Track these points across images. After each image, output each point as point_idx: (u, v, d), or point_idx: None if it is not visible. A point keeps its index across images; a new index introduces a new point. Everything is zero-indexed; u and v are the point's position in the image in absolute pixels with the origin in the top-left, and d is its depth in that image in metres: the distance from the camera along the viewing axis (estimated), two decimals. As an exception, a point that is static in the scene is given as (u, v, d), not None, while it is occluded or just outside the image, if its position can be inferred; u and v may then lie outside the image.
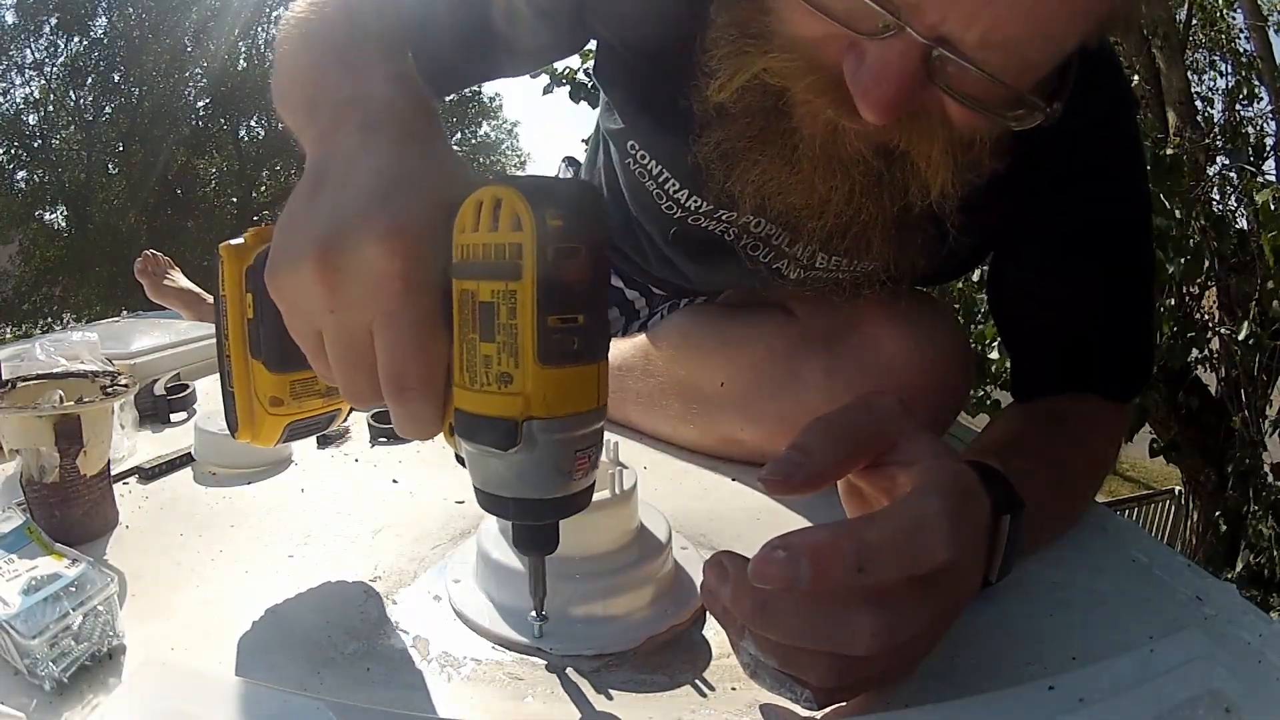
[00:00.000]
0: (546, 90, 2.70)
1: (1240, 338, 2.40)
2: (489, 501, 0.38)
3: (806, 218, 0.56)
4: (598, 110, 0.84)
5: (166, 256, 1.52)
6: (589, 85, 2.58)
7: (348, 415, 0.52)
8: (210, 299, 1.41)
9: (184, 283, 1.49)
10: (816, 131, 0.50)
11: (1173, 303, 2.28)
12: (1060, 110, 0.45)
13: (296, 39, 0.52)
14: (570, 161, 1.10)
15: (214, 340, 0.46)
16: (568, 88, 2.68)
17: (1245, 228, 2.24)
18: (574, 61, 2.63)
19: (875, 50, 0.42)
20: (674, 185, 0.70)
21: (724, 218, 0.69)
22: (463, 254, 0.35)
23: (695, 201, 0.69)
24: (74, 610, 0.40)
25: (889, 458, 0.40)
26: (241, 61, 9.55)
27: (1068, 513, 0.61)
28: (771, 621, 0.35)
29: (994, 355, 2.22)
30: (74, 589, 0.42)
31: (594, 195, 0.37)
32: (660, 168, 0.71)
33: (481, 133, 11.91)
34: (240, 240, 0.44)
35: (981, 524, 0.41)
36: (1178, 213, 2.12)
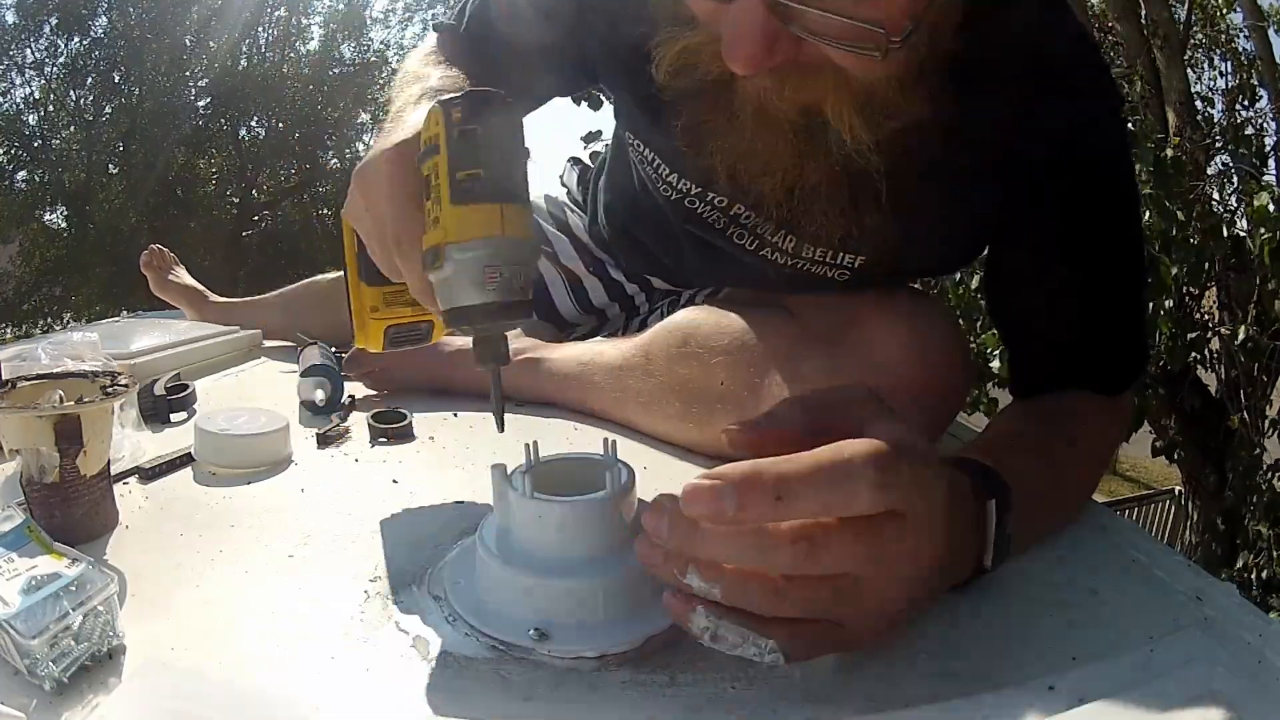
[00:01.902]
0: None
1: (1239, 339, 2.41)
2: (445, 318, 0.50)
3: (761, 180, 0.62)
4: (599, 110, 0.91)
5: (172, 253, 1.52)
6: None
7: (434, 331, 0.65)
8: (212, 297, 1.43)
9: (187, 280, 1.49)
10: (748, 97, 0.56)
11: (1170, 304, 2.28)
12: (912, 33, 0.48)
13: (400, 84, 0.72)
14: (575, 162, 1.12)
15: (214, 341, 0.59)
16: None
17: (1246, 228, 2.24)
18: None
19: (730, 12, 0.48)
20: (665, 170, 0.77)
21: (711, 200, 0.74)
22: (419, 147, 0.52)
23: (685, 184, 0.75)
24: (74, 610, 0.40)
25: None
26: (242, 61, 9.54)
27: (1065, 506, 0.61)
28: (706, 543, 0.37)
29: (995, 365, 2.22)
30: (74, 589, 0.42)
31: (491, 96, 0.49)
32: (653, 154, 0.77)
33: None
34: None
35: (961, 505, 0.43)
36: (1179, 214, 2.12)
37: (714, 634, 0.38)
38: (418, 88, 0.67)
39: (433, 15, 10.70)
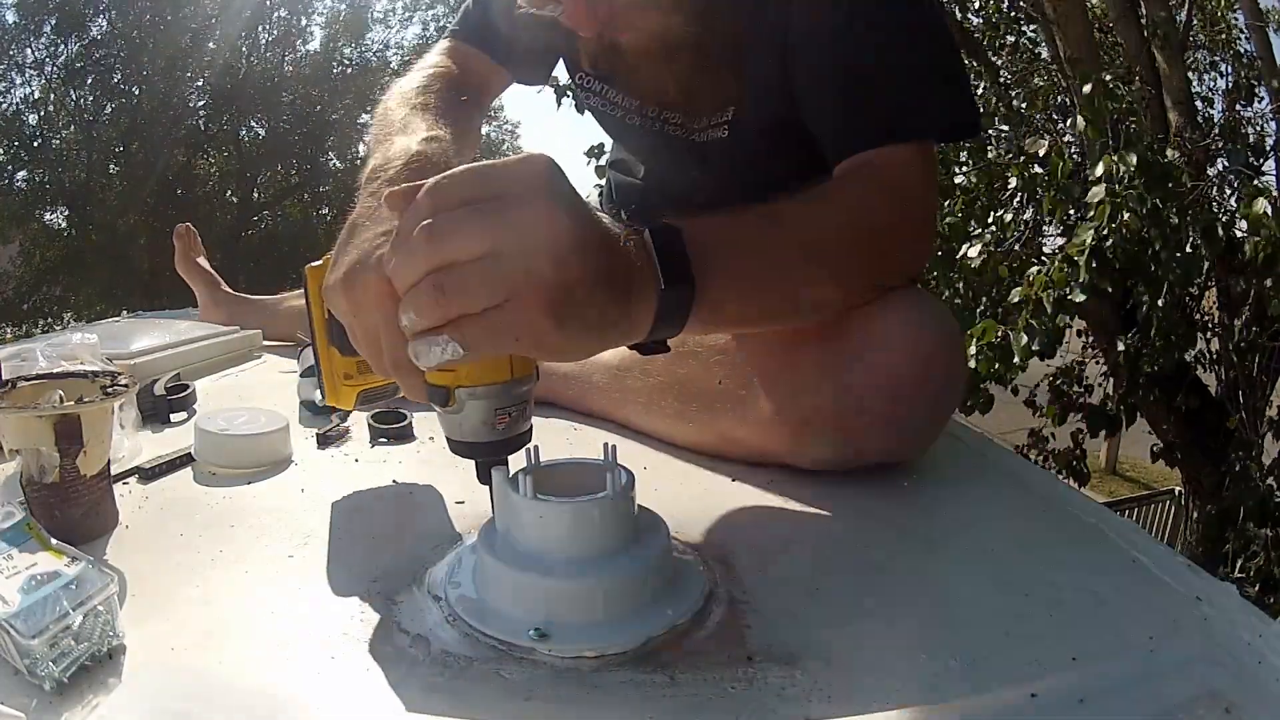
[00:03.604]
0: (559, 100, 2.84)
1: (1235, 340, 2.41)
2: (451, 445, 0.52)
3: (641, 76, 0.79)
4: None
5: (175, 249, 1.54)
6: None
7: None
8: (225, 287, 1.47)
9: (207, 266, 1.52)
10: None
11: (1163, 304, 2.28)
12: None
13: (379, 125, 0.76)
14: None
15: (214, 341, 0.58)
16: (572, 98, 2.75)
17: (1245, 229, 2.24)
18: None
19: None
20: (602, 86, 0.90)
21: (627, 104, 0.89)
22: None
23: (612, 92, 0.89)
24: (74, 610, 0.40)
25: None
26: (242, 61, 9.55)
27: (778, 247, 0.59)
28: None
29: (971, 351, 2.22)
30: (74, 588, 0.42)
31: None
32: (598, 82, 0.91)
33: (484, 133, 11.93)
34: (319, 263, 0.61)
35: (577, 200, 0.46)
36: (1174, 218, 2.13)
37: (415, 353, 0.44)
38: (399, 154, 0.66)
39: (433, 16, 10.71)
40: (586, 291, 0.44)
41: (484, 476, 0.51)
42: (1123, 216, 2.02)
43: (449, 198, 0.43)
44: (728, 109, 0.81)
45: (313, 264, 0.62)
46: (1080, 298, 2.05)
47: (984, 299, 2.65)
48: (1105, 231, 2.02)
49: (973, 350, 2.19)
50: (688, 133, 0.86)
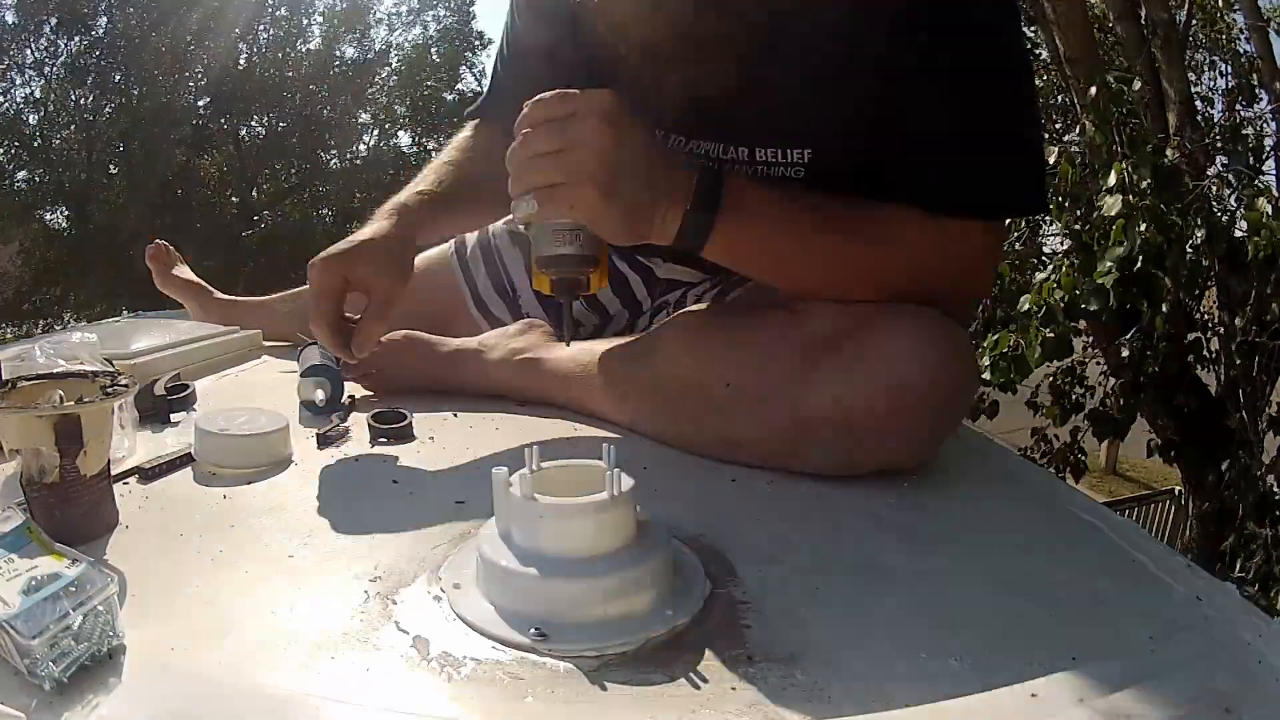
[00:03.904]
0: None
1: (1235, 340, 2.41)
2: (535, 264, 0.70)
3: (710, 97, 0.76)
4: None
5: (175, 250, 1.53)
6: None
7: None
8: (215, 293, 1.43)
9: (190, 276, 1.49)
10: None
11: (1165, 307, 2.28)
12: None
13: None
14: None
15: (214, 341, 0.62)
16: None
17: (1245, 229, 2.25)
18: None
19: None
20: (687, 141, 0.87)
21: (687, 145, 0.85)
22: None
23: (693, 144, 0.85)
24: (74, 610, 0.40)
25: None
26: (242, 61, 9.55)
27: (796, 239, 0.71)
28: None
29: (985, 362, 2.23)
30: (74, 589, 0.42)
31: None
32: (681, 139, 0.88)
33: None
34: None
35: (641, 131, 0.66)
36: (1177, 220, 2.12)
37: (514, 208, 0.66)
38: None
39: (434, 16, 10.71)
40: (625, 185, 0.64)
41: (558, 288, 0.70)
42: (1139, 228, 2.01)
43: (540, 113, 0.65)
44: (805, 150, 0.78)
45: None
46: (1095, 307, 2.05)
47: (995, 307, 2.64)
48: (1132, 253, 2.02)
49: (987, 361, 2.20)
50: (758, 170, 0.82)
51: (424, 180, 0.93)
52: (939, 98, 0.69)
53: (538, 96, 0.65)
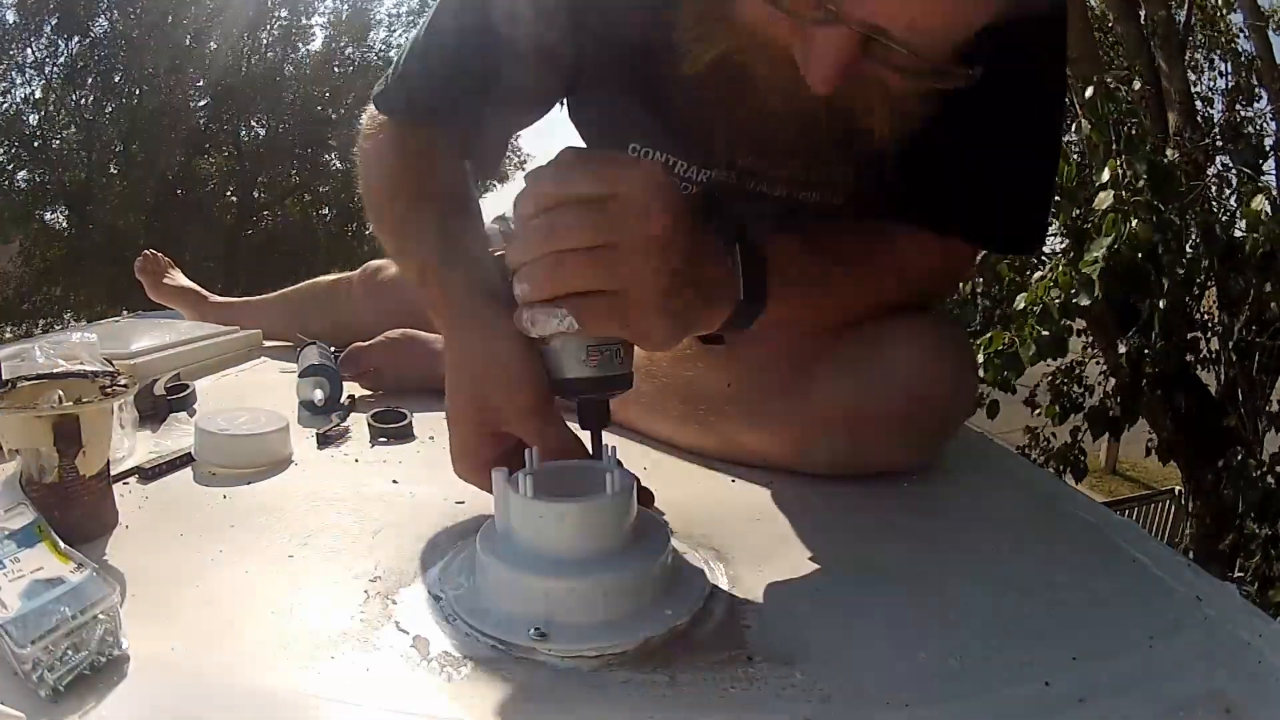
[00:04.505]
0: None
1: (1233, 340, 2.41)
2: (559, 387, 0.53)
3: (777, 159, 0.69)
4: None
5: (166, 256, 1.52)
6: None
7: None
8: (210, 297, 1.43)
9: (183, 281, 1.48)
10: (776, 95, 0.57)
11: (1164, 306, 2.28)
12: (980, 73, 0.51)
13: (378, 216, 0.73)
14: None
15: (214, 341, 0.57)
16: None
17: (1244, 228, 2.25)
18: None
19: (818, 35, 0.48)
20: (668, 161, 0.77)
21: (702, 177, 0.77)
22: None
23: (682, 167, 0.76)
24: (73, 619, 0.40)
25: None
26: (243, 61, 9.54)
27: (829, 288, 0.65)
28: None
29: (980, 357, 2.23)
30: (74, 596, 0.41)
31: None
32: (652, 150, 0.77)
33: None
34: None
35: (693, 214, 0.51)
36: (1175, 219, 2.13)
37: (531, 320, 0.49)
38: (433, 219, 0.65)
39: (433, 15, 10.66)
40: (688, 292, 0.51)
41: (587, 418, 0.53)
42: (1132, 225, 2.02)
43: (568, 188, 0.48)
44: (847, 169, 0.74)
45: None
46: (1086, 302, 2.06)
47: (987, 302, 2.65)
48: (1118, 246, 2.02)
49: (981, 359, 2.20)
50: (782, 190, 0.78)
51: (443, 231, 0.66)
52: (981, 129, 0.67)
53: (561, 159, 0.49)
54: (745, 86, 0.58)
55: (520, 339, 0.52)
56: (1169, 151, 2.24)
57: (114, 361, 0.69)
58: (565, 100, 0.83)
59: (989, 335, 2.24)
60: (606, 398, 0.53)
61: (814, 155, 0.66)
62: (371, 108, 0.77)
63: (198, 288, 1.47)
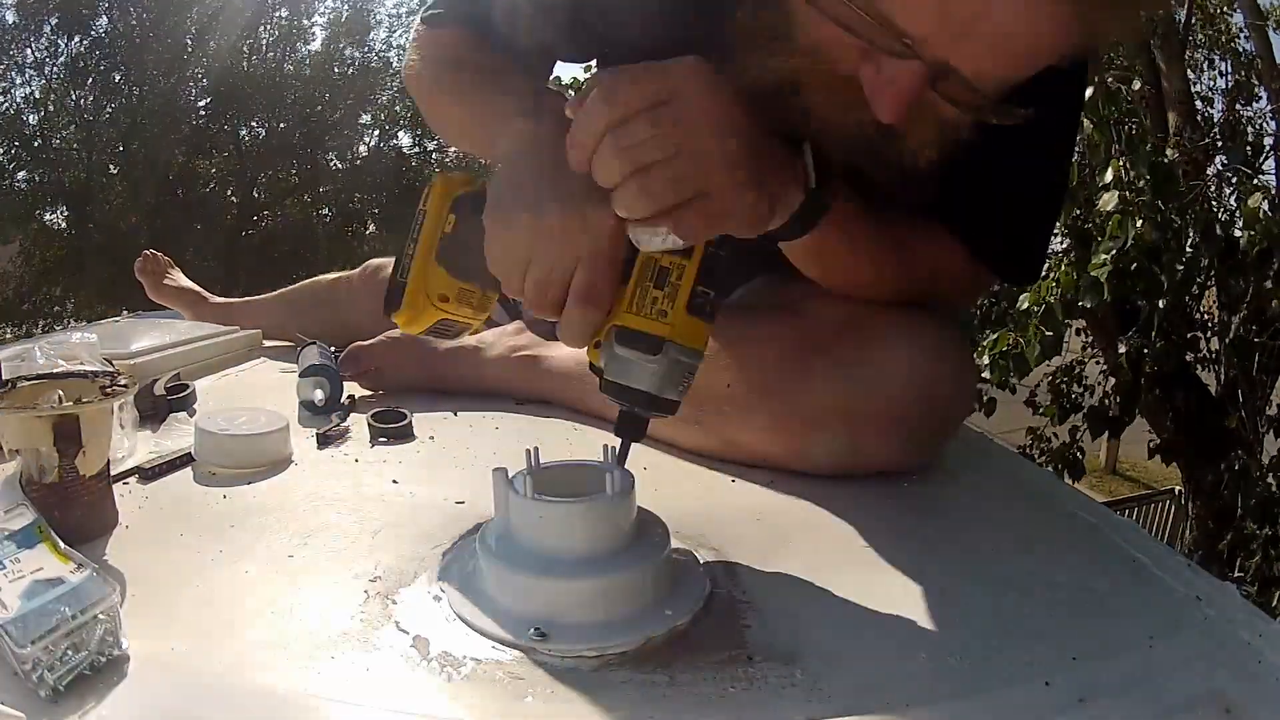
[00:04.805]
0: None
1: (1234, 339, 2.41)
2: (621, 392, 0.51)
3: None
4: None
5: (166, 256, 1.52)
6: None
7: (475, 330, 0.64)
8: (210, 298, 1.43)
9: (184, 282, 1.48)
10: (828, 116, 0.56)
11: (1164, 305, 2.28)
12: (1033, 113, 0.50)
13: (446, 93, 0.75)
14: None
15: (214, 341, 0.54)
16: None
17: (1243, 228, 2.25)
18: (579, 71, 2.65)
19: (892, 65, 0.48)
20: None
21: None
22: None
23: None
24: (73, 619, 0.40)
25: None
26: (243, 62, 9.54)
27: (871, 243, 0.66)
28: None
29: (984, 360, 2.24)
30: (74, 597, 0.41)
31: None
32: None
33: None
34: (453, 174, 0.60)
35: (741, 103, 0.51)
36: (1175, 219, 2.13)
37: (636, 239, 0.50)
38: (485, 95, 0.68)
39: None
40: (760, 162, 0.51)
41: (629, 428, 0.53)
42: (1136, 225, 2.02)
43: (631, 99, 0.48)
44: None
45: (447, 173, 0.61)
46: (1092, 304, 2.06)
47: (985, 302, 2.65)
48: (1126, 247, 2.03)
49: (987, 360, 2.20)
50: None
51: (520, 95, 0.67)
52: (1002, 158, 0.65)
53: (605, 77, 0.50)
54: (794, 105, 0.57)
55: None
56: (1169, 151, 2.24)
57: (114, 361, 0.70)
58: None
59: (994, 337, 2.24)
60: (649, 415, 0.52)
61: (854, 177, 0.65)
62: (421, 26, 0.80)
63: (198, 288, 1.47)
